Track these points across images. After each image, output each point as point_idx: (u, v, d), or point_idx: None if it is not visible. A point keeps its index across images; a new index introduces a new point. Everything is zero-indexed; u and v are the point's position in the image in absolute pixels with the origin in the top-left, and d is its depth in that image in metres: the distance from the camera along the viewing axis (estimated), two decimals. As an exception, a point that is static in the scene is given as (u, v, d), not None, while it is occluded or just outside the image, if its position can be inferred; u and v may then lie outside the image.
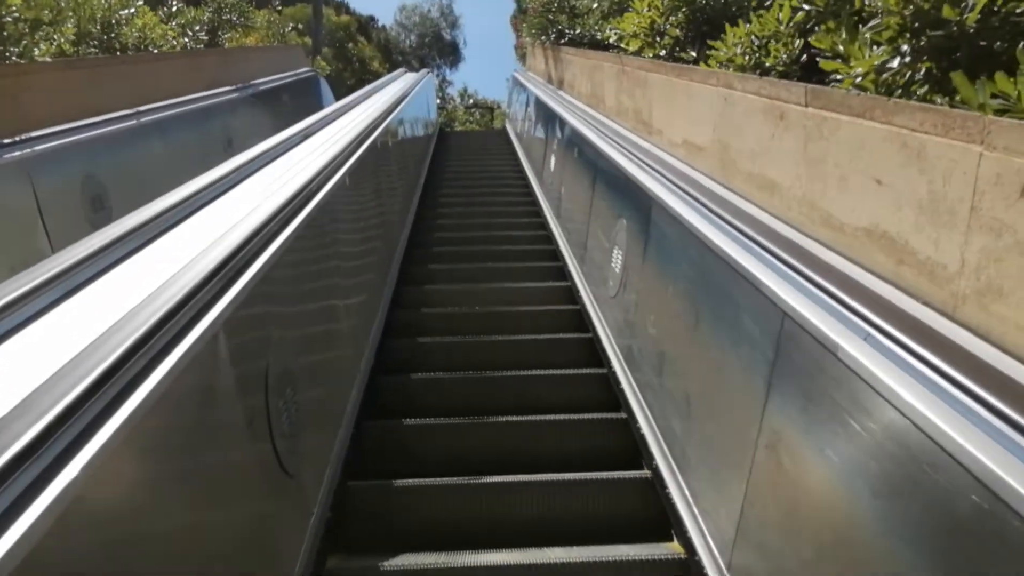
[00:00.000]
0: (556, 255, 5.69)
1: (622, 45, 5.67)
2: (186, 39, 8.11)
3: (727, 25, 3.81)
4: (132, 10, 6.51)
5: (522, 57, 17.47)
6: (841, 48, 2.66)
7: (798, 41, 3.41)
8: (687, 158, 3.63)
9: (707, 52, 4.08)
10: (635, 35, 5.39)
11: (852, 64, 2.58)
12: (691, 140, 3.60)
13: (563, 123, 6.56)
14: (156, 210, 2.11)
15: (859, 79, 2.28)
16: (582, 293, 4.60)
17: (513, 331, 4.36)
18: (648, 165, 3.59)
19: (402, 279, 5.15)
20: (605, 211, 4.28)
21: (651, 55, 5.08)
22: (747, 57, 3.57)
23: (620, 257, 3.68)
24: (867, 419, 1.50)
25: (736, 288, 2.16)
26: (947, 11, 2.02)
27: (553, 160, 6.77)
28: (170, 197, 2.29)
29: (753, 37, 3.52)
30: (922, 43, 2.05)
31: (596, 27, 7.14)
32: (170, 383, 1.39)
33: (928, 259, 1.66)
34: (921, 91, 2.22)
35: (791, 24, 3.33)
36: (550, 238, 6.15)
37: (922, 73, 2.10)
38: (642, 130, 4.65)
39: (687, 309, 2.59)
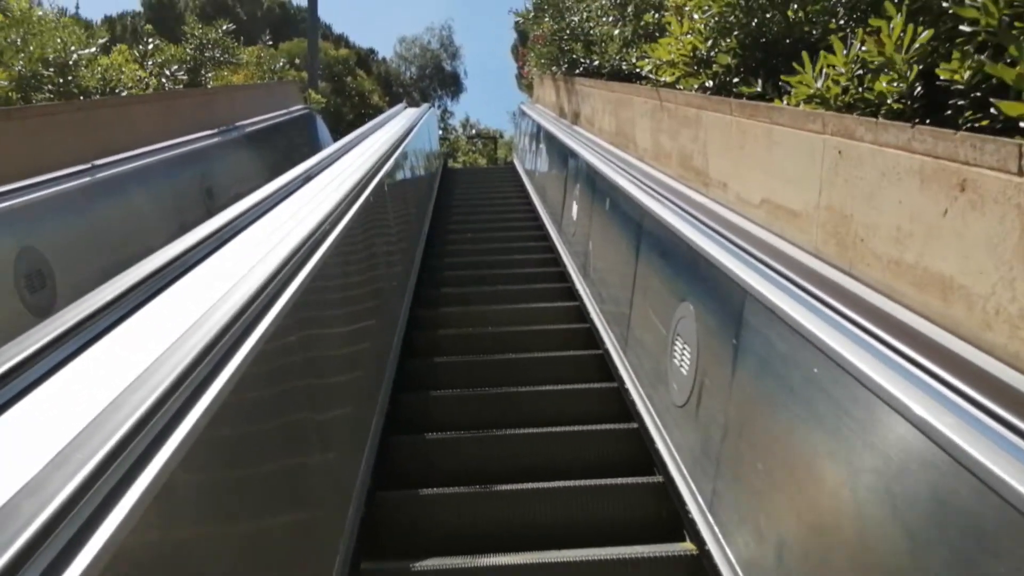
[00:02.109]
0: (592, 337, 4.64)
1: (655, 76, 4.84)
2: (163, 79, 7.33)
3: (804, 53, 2.99)
4: (94, 49, 5.72)
5: (527, 87, 16.73)
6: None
7: (912, 70, 2.58)
8: (769, 223, 2.78)
9: (779, 84, 3.26)
10: (672, 63, 4.57)
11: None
12: (776, 201, 2.76)
13: (586, 166, 5.72)
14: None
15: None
16: (634, 397, 3.57)
17: (553, 467, 3.25)
18: (723, 236, 2.74)
19: (402, 374, 4.21)
20: (657, 287, 3.41)
21: (696, 86, 4.25)
22: (846, 92, 2.74)
23: (689, 355, 2.80)
24: None
25: (947, 476, 1.29)
26: None
27: (575, 208, 5.91)
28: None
29: (855, 65, 2.69)
30: None
31: (618, 56, 6.33)
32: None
33: None
34: None
35: (913, 49, 2.50)
36: (582, 313, 5.06)
37: None
38: (692, 179, 3.81)
39: (834, 475, 1.71)
